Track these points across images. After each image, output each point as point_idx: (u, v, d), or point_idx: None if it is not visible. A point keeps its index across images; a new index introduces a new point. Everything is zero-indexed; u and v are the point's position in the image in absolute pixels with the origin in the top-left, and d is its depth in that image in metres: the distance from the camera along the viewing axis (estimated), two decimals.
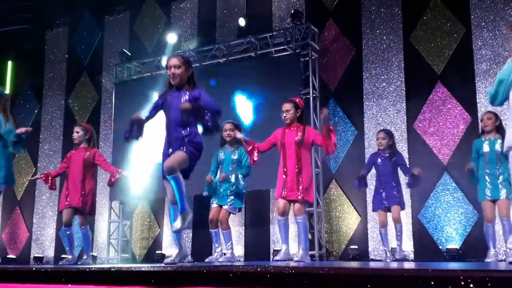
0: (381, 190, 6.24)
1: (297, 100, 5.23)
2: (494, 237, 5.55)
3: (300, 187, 4.91)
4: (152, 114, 4.21)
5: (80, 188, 5.88)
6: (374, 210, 6.41)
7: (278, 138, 5.12)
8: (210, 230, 5.72)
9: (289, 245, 5.08)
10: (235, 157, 5.67)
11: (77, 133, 6.06)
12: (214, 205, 5.67)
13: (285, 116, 5.11)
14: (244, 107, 8.58)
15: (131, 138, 4.17)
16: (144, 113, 4.23)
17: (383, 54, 8.21)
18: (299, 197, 4.90)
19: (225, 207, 5.60)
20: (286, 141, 5.04)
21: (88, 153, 6.03)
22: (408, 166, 6.50)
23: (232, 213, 5.71)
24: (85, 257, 6.04)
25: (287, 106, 5.12)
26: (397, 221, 6.13)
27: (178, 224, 4.04)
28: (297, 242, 7.75)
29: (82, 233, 6.00)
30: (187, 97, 4.03)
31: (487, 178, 5.43)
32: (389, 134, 6.40)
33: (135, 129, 4.12)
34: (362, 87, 8.25)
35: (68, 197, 5.90)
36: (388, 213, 6.24)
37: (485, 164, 5.46)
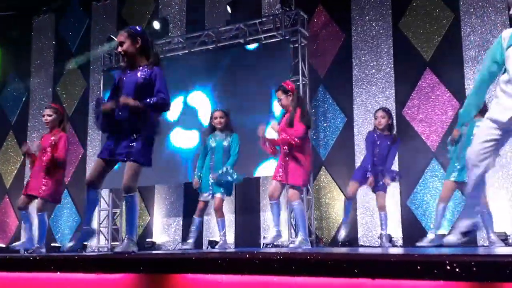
0: (368, 168, 5.86)
1: (286, 85, 5.23)
2: (441, 219, 5.55)
3: (289, 171, 4.95)
4: (112, 96, 3.90)
5: (43, 177, 5.48)
6: (352, 179, 6.01)
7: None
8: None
9: (279, 229, 5.12)
10: (226, 143, 5.71)
11: (50, 116, 5.56)
12: (215, 195, 5.76)
13: (280, 105, 5.17)
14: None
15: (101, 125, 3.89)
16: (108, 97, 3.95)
17: (373, 41, 8.21)
18: (288, 181, 4.96)
19: (218, 195, 5.66)
20: (281, 126, 5.10)
21: (53, 137, 5.54)
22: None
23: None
24: (37, 245, 5.61)
25: (277, 94, 5.17)
26: (382, 209, 5.90)
27: (124, 247, 3.66)
28: (288, 228, 7.83)
29: (38, 219, 5.59)
30: (139, 74, 3.73)
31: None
32: (388, 113, 6.07)
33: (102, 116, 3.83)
34: (352, 74, 8.25)
35: (29, 184, 5.58)
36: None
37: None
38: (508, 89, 3.08)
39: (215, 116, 5.79)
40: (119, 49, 3.78)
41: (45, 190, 5.53)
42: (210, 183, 5.70)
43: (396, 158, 7.50)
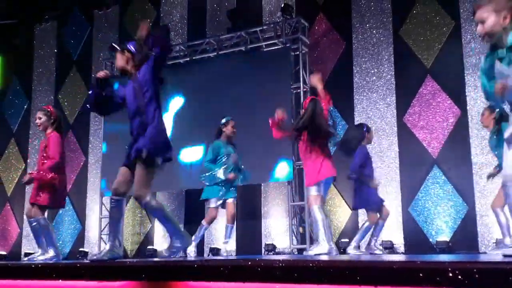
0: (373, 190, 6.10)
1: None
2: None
3: (307, 173, 5.03)
4: (116, 93, 4.02)
5: (37, 184, 5.15)
6: (367, 210, 6.23)
7: None
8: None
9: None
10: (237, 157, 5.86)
11: (40, 118, 5.27)
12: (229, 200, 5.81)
13: None
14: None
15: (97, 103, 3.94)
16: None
17: (373, 48, 8.22)
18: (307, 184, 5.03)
19: (230, 200, 5.74)
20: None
21: (45, 140, 5.26)
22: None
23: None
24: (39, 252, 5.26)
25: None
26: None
27: (175, 248, 4.05)
28: (289, 235, 7.83)
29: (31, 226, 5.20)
30: (138, 77, 3.85)
31: None
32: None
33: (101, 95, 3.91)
34: (352, 81, 8.27)
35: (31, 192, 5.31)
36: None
37: None
38: None
39: (232, 125, 5.87)
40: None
41: (43, 197, 5.16)
42: (221, 189, 5.74)
43: (398, 165, 7.55)
